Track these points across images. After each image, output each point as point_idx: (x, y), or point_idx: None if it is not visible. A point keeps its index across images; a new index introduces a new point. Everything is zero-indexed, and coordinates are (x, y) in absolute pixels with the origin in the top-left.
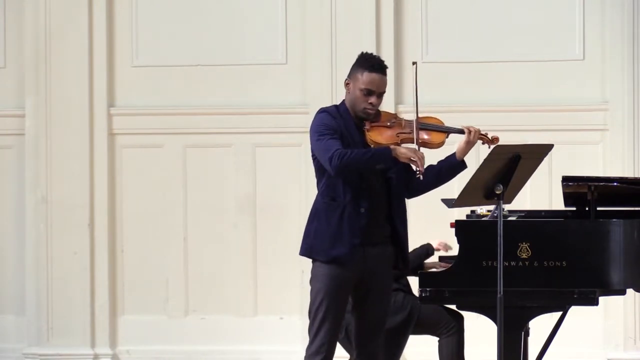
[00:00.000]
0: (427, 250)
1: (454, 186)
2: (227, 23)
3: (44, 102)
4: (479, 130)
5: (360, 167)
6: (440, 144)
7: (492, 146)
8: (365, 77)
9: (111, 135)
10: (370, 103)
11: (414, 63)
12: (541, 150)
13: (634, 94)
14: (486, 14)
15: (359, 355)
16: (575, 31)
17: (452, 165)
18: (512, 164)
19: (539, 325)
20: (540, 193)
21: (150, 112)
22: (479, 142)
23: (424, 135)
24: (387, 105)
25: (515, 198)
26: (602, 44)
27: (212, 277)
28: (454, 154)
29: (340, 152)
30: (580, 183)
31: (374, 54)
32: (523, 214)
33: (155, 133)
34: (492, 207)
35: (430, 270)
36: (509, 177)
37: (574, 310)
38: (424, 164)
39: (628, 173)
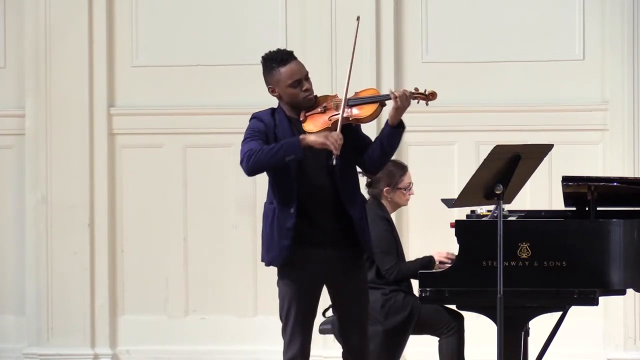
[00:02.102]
0: (429, 263)
1: (454, 186)
2: (227, 23)
3: (44, 102)
4: (406, 92)
5: (271, 163)
6: (372, 116)
7: (431, 101)
8: (284, 73)
9: (111, 135)
10: (305, 89)
11: (357, 18)
12: (541, 150)
13: (634, 94)
14: (486, 14)
15: (345, 349)
16: (575, 31)
17: (388, 133)
18: (512, 164)
19: (539, 325)
20: (540, 193)
21: (150, 112)
22: (418, 102)
23: (354, 111)
24: (387, 104)
25: (515, 198)
26: (602, 44)
27: (212, 277)
28: (387, 122)
29: (250, 152)
30: (580, 183)
31: (272, 49)
32: (523, 214)
33: (155, 133)
34: (492, 207)
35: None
36: (509, 177)
37: (574, 310)
38: (339, 145)
39: (628, 173)
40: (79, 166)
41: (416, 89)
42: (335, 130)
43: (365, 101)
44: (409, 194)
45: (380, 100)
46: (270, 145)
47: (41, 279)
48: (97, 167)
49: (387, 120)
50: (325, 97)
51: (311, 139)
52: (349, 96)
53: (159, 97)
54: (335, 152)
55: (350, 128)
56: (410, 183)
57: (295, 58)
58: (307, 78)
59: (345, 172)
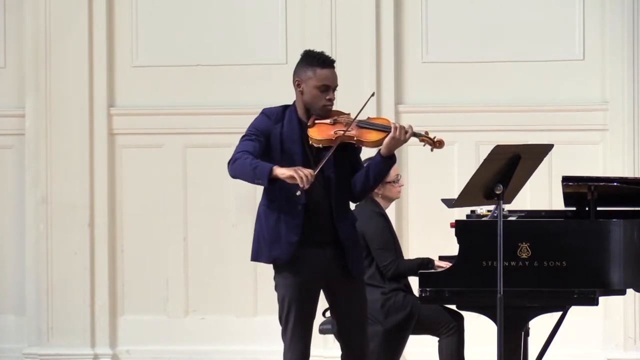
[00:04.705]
0: (428, 264)
1: (454, 186)
2: (227, 23)
3: (44, 102)
4: (408, 128)
5: (244, 179)
6: (376, 143)
7: (436, 149)
8: (319, 74)
9: (111, 135)
10: (329, 99)
11: (372, 94)
12: (541, 150)
13: (634, 94)
14: (486, 14)
15: (344, 350)
16: (575, 31)
17: (377, 161)
18: (512, 164)
19: (539, 325)
20: (540, 193)
21: (150, 112)
22: (424, 145)
23: (361, 134)
24: (387, 104)
25: (515, 198)
26: (602, 44)
27: (212, 277)
28: (379, 150)
29: (237, 155)
30: (580, 183)
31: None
32: (523, 214)
33: (155, 133)
34: (492, 207)
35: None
36: (509, 177)
37: (574, 310)
38: (307, 181)
39: (628, 173)
40: (79, 166)
41: (426, 133)
42: (334, 145)
43: (374, 127)
44: (399, 186)
45: (387, 131)
46: (252, 162)
47: (41, 279)
48: (97, 167)
49: (380, 149)
50: (339, 112)
51: (280, 171)
52: (361, 118)
53: (159, 97)
54: (302, 185)
55: (353, 148)
56: (397, 175)
57: (334, 67)
58: (334, 89)
59: (340, 187)
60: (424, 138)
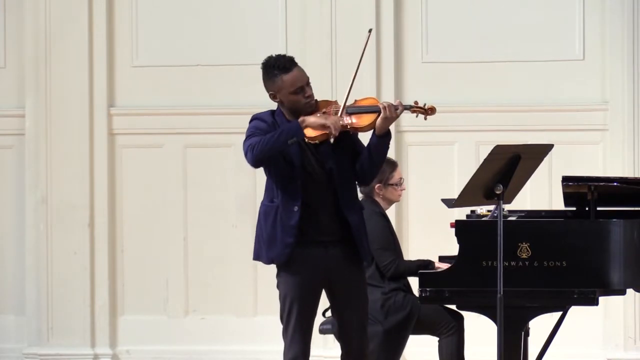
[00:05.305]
0: (428, 265)
1: (454, 186)
2: (227, 23)
3: (44, 102)
4: (397, 104)
5: (274, 148)
6: (370, 126)
7: (430, 116)
8: (286, 81)
9: (111, 135)
10: (308, 96)
11: (369, 30)
12: (541, 150)
13: (634, 94)
14: (486, 14)
15: (344, 350)
16: (575, 31)
17: (375, 143)
18: (512, 164)
19: (539, 325)
20: (540, 193)
21: (150, 112)
22: (417, 116)
23: (353, 120)
24: None
25: (515, 198)
26: (602, 44)
27: (212, 277)
28: (374, 131)
29: (253, 143)
30: (580, 183)
31: (273, 55)
32: (523, 214)
33: (155, 133)
34: (492, 207)
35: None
36: (509, 177)
37: (574, 310)
38: (337, 127)
39: (628, 173)
40: (79, 166)
41: (416, 102)
42: (330, 138)
43: (364, 110)
44: (401, 190)
45: (378, 111)
46: (271, 133)
47: (41, 279)
48: (97, 167)
49: (374, 130)
50: (326, 102)
51: (311, 120)
52: (349, 104)
53: (159, 97)
54: (334, 133)
55: (349, 135)
56: (400, 178)
57: (297, 64)
58: (308, 84)
59: (345, 177)
60: (415, 109)
